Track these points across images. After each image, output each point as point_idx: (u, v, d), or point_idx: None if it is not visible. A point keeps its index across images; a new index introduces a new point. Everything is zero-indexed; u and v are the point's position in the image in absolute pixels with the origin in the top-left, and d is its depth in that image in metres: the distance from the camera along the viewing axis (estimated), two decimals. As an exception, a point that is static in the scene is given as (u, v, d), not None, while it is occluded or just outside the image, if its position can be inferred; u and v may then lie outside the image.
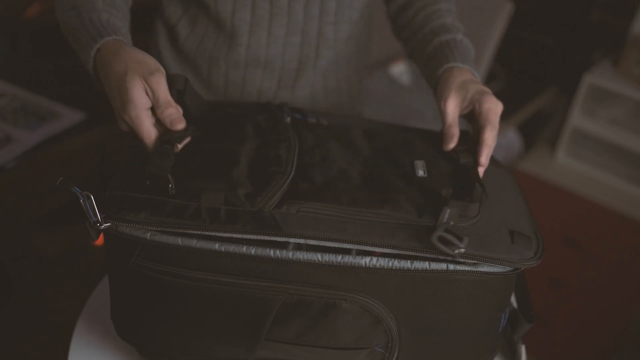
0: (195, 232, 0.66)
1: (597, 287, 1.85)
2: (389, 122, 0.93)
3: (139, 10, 1.02)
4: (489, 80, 1.99)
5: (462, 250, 0.66)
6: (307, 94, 1.03)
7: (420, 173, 0.76)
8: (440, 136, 0.89)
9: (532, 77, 2.09)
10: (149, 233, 0.67)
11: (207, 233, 0.67)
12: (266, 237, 0.66)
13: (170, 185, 0.68)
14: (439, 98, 0.84)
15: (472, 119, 0.83)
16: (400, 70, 1.86)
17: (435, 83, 0.88)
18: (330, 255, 0.66)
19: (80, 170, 1.55)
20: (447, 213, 0.68)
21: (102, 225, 0.67)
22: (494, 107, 0.79)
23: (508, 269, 0.68)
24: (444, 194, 0.71)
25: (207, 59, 0.99)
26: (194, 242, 0.66)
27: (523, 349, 0.80)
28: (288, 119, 0.84)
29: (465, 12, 1.89)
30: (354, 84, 1.11)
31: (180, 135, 0.73)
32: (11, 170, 1.39)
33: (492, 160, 0.84)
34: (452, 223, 0.67)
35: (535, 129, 2.15)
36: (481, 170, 0.78)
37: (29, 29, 1.83)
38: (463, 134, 0.85)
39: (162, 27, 1.03)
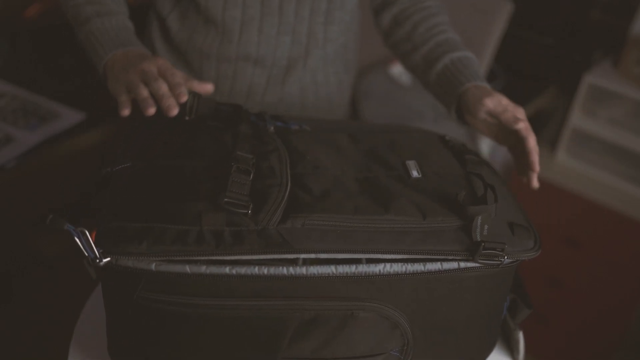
0: (203, 257, 0.64)
1: (597, 287, 1.85)
2: (371, 123, 0.94)
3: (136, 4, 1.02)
4: (489, 80, 1.99)
5: (506, 258, 0.67)
6: (297, 90, 1.03)
7: (415, 174, 0.76)
8: (426, 134, 0.89)
9: (532, 77, 2.09)
10: (154, 263, 0.63)
11: (215, 258, 0.64)
12: (277, 256, 0.64)
13: (248, 211, 0.65)
14: (472, 104, 0.88)
15: (504, 129, 0.88)
16: (400, 70, 1.86)
17: (456, 98, 0.91)
18: (345, 266, 0.65)
19: (80, 170, 1.55)
20: (478, 222, 0.68)
21: (101, 261, 0.63)
22: (523, 117, 0.87)
23: (510, 260, 0.69)
24: (459, 198, 0.70)
25: (197, 53, 0.99)
26: (203, 269, 0.63)
27: (521, 335, 0.81)
28: (272, 128, 0.82)
29: (465, 12, 1.89)
30: (344, 77, 1.10)
31: (252, 162, 0.71)
32: (11, 170, 1.39)
33: (474, 154, 0.84)
34: (486, 232, 0.68)
35: (535, 129, 2.14)
36: (534, 177, 0.85)
37: (29, 29, 1.83)
38: (463, 145, 0.85)
39: (154, 19, 1.03)
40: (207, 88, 0.83)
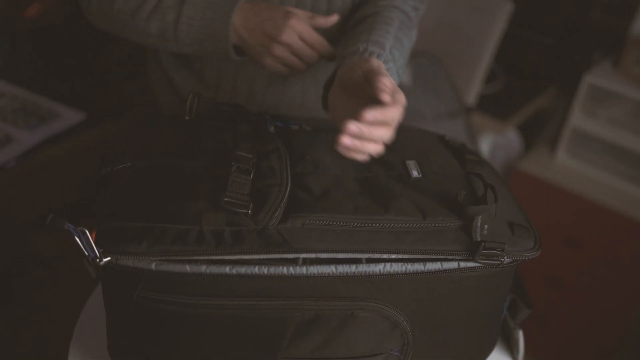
0: (203, 257, 0.64)
1: (597, 287, 1.85)
2: None
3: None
4: (489, 80, 1.99)
5: (506, 258, 0.67)
6: (298, 89, 1.03)
7: (415, 174, 0.75)
8: (425, 134, 0.89)
9: (532, 77, 2.09)
10: (154, 263, 0.64)
11: (215, 257, 0.64)
12: (277, 256, 0.64)
13: (248, 211, 0.65)
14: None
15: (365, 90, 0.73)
16: (400, 70, 1.86)
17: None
18: (345, 266, 0.65)
19: (80, 170, 1.55)
20: (478, 222, 0.68)
21: (101, 260, 0.63)
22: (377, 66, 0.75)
23: (510, 260, 0.69)
24: (459, 198, 0.70)
25: None
26: (203, 268, 0.64)
27: (521, 335, 0.81)
28: (272, 128, 0.82)
29: (465, 12, 1.89)
30: None
31: (252, 162, 0.71)
32: (11, 170, 1.39)
33: (474, 154, 0.84)
34: (486, 232, 0.68)
35: (535, 129, 2.15)
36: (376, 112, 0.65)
37: (29, 29, 1.83)
38: (463, 145, 0.85)
39: None
40: (333, 19, 0.88)
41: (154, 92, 1.09)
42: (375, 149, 0.67)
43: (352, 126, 0.64)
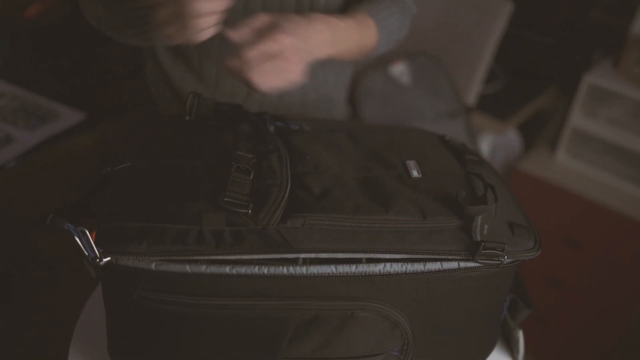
0: (203, 257, 0.64)
1: (597, 287, 1.85)
2: (370, 123, 0.93)
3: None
4: (489, 80, 1.99)
5: (506, 257, 0.67)
6: (298, 88, 1.03)
7: (415, 174, 0.75)
8: (425, 134, 0.89)
9: (532, 77, 2.09)
10: (154, 263, 0.64)
11: (215, 257, 0.64)
12: (277, 256, 0.64)
13: (248, 211, 0.65)
14: None
15: None
16: (400, 70, 1.86)
17: None
18: (345, 266, 0.65)
19: (80, 170, 1.55)
20: (478, 222, 0.68)
21: (101, 260, 0.63)
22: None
23: (510, 260, 0.69)
24: (459, 198, 0.70)
25: (197, 50, 0.98)
26: (203, 268, 0.64)
27: (521, 335, 0.81)
28: (272, 128, 0.82)
29: (465, 12, 1.89)
30: (344, 74, 1.10)
31: (252, 162, 0.71)
32: (11, 170, 1.39)
33: (474, 154, 0.84)
34: (486, 232, 0.68)
35: (535, 129, 2.15)
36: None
37: (29, 29, 1.83)
38: (463, 145, 0.85)
39: None
40: None
41: (151, 91, 1.09)
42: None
43: None
